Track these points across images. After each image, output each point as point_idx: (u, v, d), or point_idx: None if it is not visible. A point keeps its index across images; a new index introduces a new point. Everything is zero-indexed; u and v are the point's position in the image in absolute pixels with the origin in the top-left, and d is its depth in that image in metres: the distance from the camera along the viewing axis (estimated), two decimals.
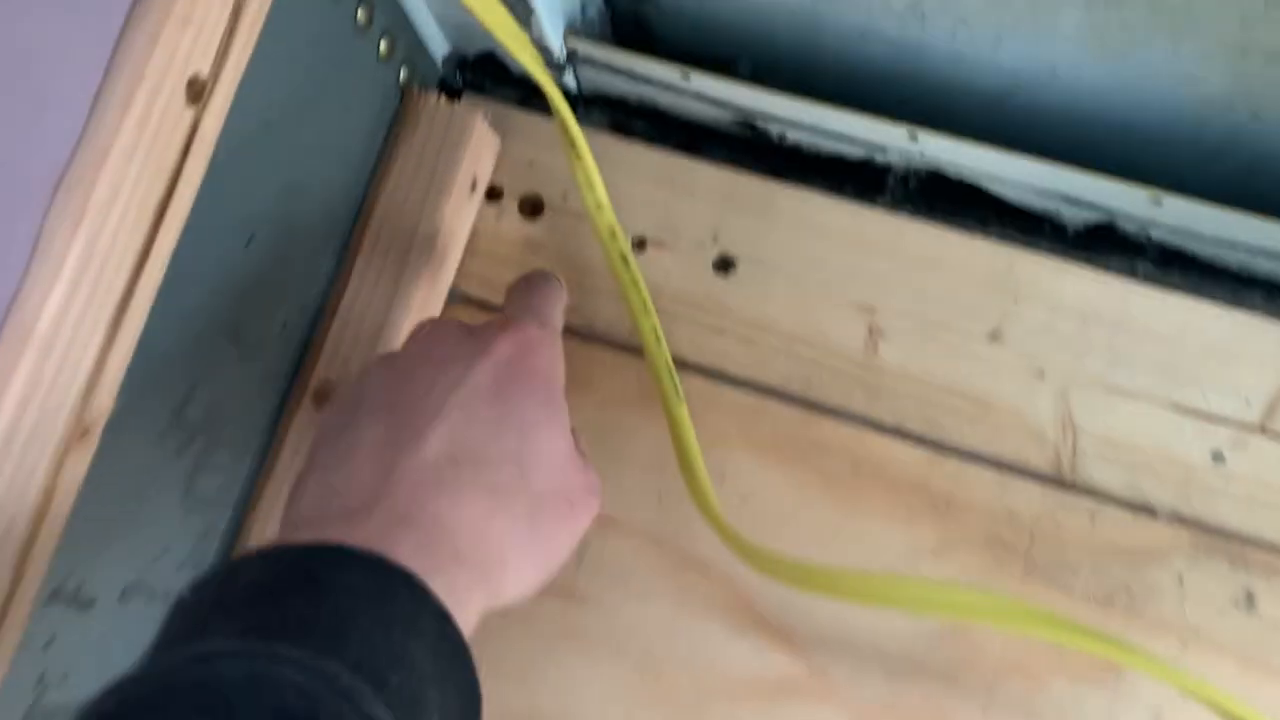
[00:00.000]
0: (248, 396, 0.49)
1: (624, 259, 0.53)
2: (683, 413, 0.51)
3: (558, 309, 0.49)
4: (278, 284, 0.49)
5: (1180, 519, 0.52)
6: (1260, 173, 0.56)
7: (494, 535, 0.36)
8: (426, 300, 0.55)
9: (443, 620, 0.31)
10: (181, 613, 0.30)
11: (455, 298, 0.58)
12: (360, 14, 0.48)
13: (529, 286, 0.49)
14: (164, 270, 0.32)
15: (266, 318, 0.49)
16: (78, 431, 0.31)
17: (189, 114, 0.31)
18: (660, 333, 0.52)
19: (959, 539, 0.53)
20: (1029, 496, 0.53)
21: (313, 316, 0.53)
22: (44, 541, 0.31)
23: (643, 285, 0.53)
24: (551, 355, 0.44)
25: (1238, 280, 0.57)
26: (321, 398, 0.53)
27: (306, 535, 0.33)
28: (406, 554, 0.32)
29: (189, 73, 0.31)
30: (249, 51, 0.33)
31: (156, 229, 0.31)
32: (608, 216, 0.54)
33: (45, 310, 0.28)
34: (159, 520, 0.45)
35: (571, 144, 0.52)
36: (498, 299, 0.57)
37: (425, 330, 0.44)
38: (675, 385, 0.52)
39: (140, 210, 0.31)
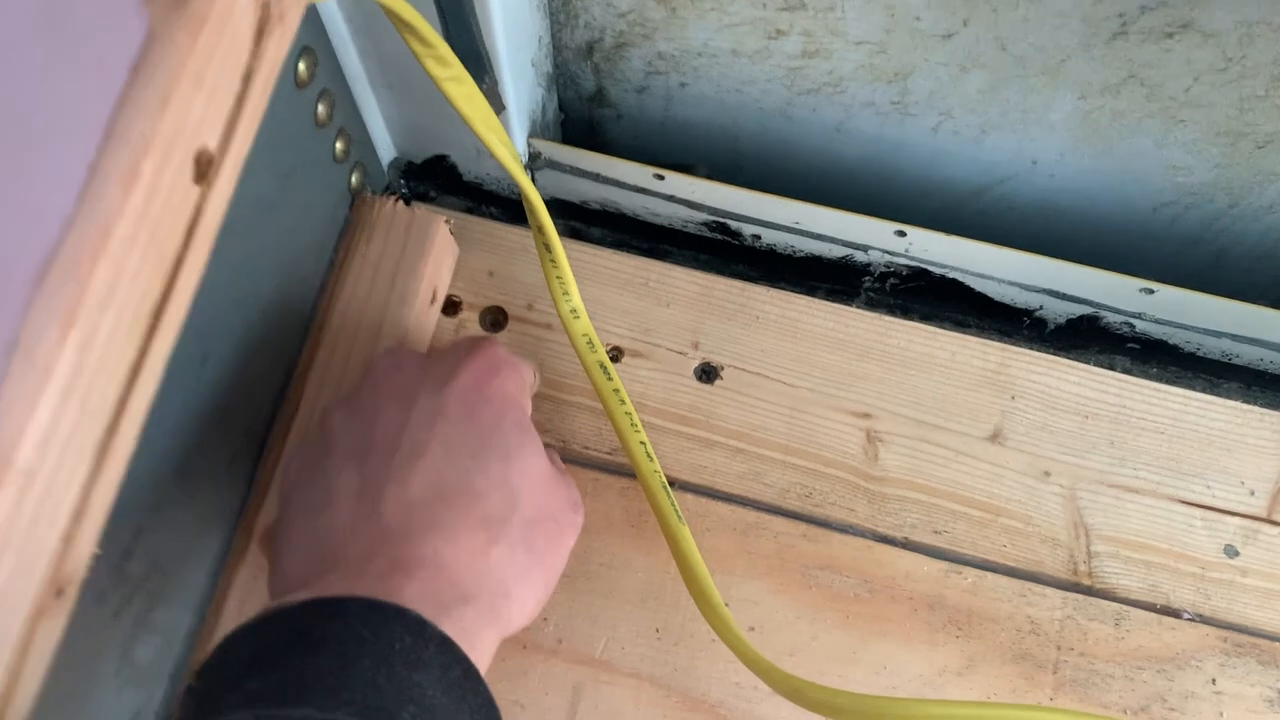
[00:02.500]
0: (190, 544, 0.42)
1: (604, 369, 0.49)
2: (686, 535, 0.46)
3: (527, 365, 0.46)
4: (229, 409, 0.42)
5: (1204, 618, 0.50)
6: (1227, 261, 0.57)
7: (494, 568, 0.36)
8: None
9: (446, 647, 0.31)
10: (190, 699, 0.30)
11: None
12: (321, 108, 0.44)
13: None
14: (157, 383, 0.26)
15: (215, 448, 0.42)
16: (52, 589, 0.24)
17: (194, 193, 0.26)
18: (651, 449, 0.48)
19: (984, 655, 0.49)
20: (1050, 604, 0.50)
21: (260, 446, 0.46)
22: None
23: (627, 397, 0.48)
24: (517, 377, 0.43)
25: (1217, 368, 0.57)
26: (270, 541, 0.45)
27: (302, 595, 0.32)
28: (412, 599, 0.32)
29: (197, 145, 0.26)
30: (255, 126, 0.28)
31: (154, 332, 0.25)
32: (584, 324, 0.49)
33: (27, 434, 0.22)
34: (91, 700, 0.37)
35: (546, 246, 0.48)
36: None
37: (385, 363, 0.42)
38: (674, 506, 0.47)
39: (138, 309, 0.25)
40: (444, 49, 0.38)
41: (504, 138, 0.43)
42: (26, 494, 0.22)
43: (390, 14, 0.36)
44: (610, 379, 0.49)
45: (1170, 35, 0.42)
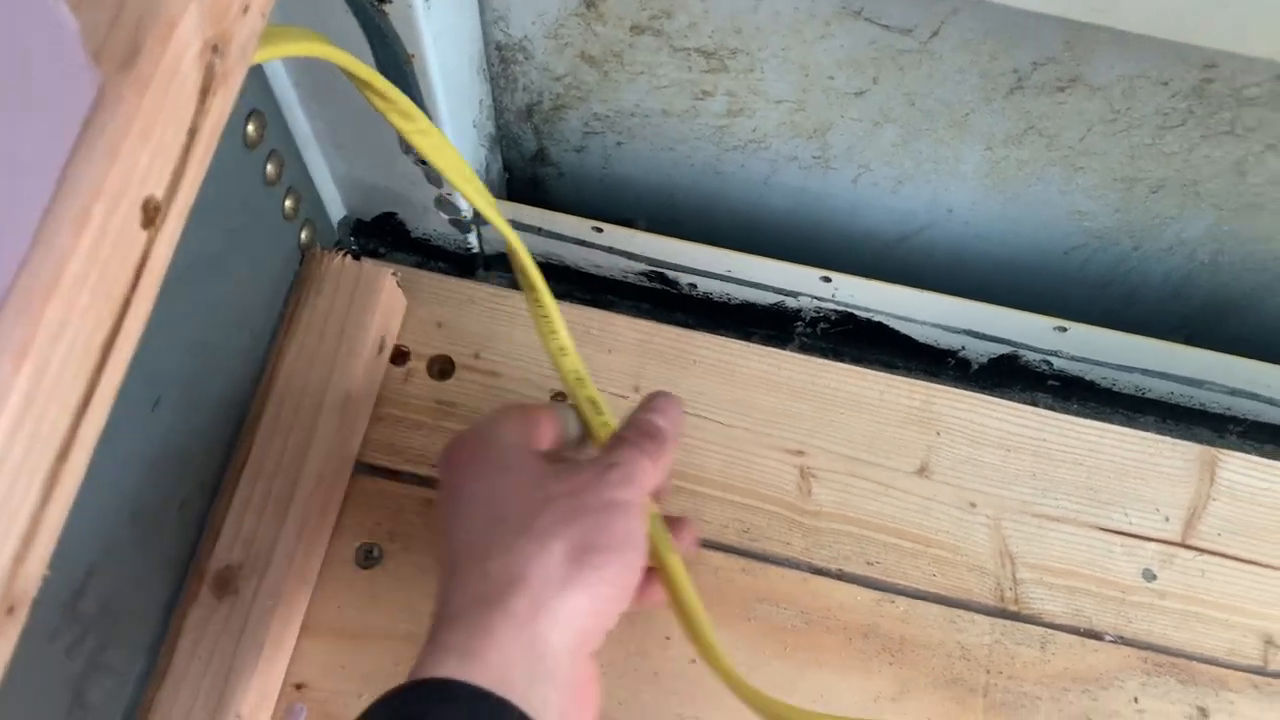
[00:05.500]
0: (143, 585, 0.43)
1: (594, 404, 0.48)
2: (677, 562, 0.44)
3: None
4: (180, 454, 0.44)
5: (1125, 640, 0.52)
6: (1138, 300, 0.60)
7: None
8: (337, 471, 0.51)
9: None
10: None
11: (360, 469, 0.54)
12: (270, 168, 0.46)
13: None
14: (106, 417, 0.28)
15: (167, 493, 0.44)
16: (4, 606, 0.25)
17: (142, 238, 0.28)
18: None
19: (917, 681, 0.51)
20: (979, 630, 0.52)
21: (212, 492, 0.48)
22: None
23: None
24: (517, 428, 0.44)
25: (1133, 403, 0.60)
26: (222, 585, 0.47)
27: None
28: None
29: (145, 193, 0.28)
30: (200, 177, 0.31)
31: (102, 368, 0.27)
32: (573, 360, 0.48)
33: None
34: None
35: (531, 286, 0.47)
36: (407, 467, 0.53)
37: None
38: (664, 535, 0.45)
39: (88, 345, 0.27)
40: (405, 103, 0.40)
41: (477, 184, 0.45)
42: None
43: (347, 73, 0.38)
44: (600, 413, 0.49)
45: (1062, 89, 0.45)
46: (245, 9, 0.31)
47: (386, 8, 0.40)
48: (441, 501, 0.43)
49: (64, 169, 0.26)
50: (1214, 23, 0.33)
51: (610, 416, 0.49)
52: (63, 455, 0.26)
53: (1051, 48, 0.43)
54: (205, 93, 0.30)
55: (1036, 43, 0.43)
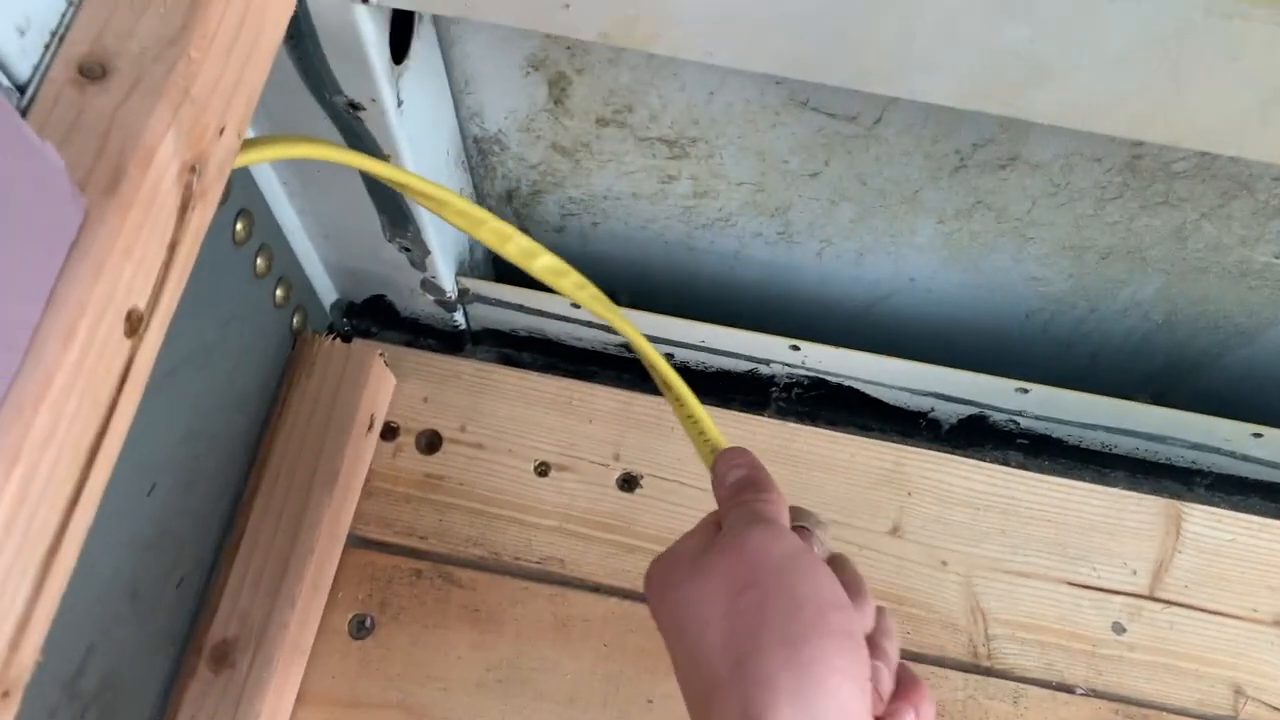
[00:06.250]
0: (142, 661, 0.46)
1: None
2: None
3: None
4: (177, 535, 0.46)
5: (1096, 693, 0.54)
6: (1101, 360, 0.62)
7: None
8: (330, 546, 0.53)
9: None
10: None
11: (352, 542, 0.56)
12: (260, 262, 0.49)
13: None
14: (95, 512, 0.31)
15: (165, 572, 0.46)
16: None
17: (126, 346, 0.31)
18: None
19: None
20: (953, 685, 0.53)
21: (209, 569, 0.50)
22: None
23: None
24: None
25: (1102, 459, 0.61)
26: (219, 659, 0.49)
27: None
28: None
29: (128, 305, 0.30)
30: (181, 286, 0.33)
31: (90, 467, 0.30)
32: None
33: None
34: None
35: (664, 382, 0.50)
36: (397, 539, 0.56)
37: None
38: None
39: (76, 447, 0.29)
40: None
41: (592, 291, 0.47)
42: None
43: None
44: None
45: (1003, 166, 0.48)
46: (221, 130, 0.34)
47: (361, 114, 0.43)
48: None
49: (52, 289, 0.28)
50: (1116, 115, 0.36)
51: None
52: (54, 549, 0.29)
53: (988, 130, 0.46)
54: (184, 209, 0.33)
55: (974, 126, 0.46)
